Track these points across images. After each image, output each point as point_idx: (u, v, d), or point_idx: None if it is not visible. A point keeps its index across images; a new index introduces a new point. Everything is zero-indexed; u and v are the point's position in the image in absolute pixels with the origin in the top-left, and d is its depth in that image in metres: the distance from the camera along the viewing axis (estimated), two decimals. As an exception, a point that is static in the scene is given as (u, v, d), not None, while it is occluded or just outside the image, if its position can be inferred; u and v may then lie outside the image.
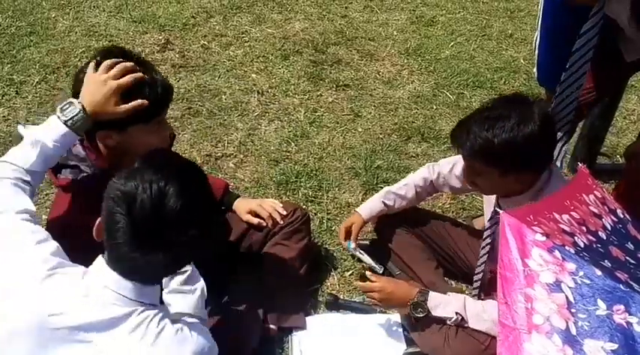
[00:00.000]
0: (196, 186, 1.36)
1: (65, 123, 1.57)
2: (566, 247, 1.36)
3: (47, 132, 1.58)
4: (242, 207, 2.32)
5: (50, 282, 1.34)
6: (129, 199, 1.28)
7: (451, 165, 2.33)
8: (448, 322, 2.03)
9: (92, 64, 1.66)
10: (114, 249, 1.32)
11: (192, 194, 1.31)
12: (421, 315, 2.04)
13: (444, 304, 2.05)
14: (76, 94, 1.67)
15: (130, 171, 1.34)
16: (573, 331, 1.28)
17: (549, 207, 1.48)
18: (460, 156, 2.00)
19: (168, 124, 1.86)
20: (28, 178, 1.57)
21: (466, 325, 2.02)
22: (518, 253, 1.33)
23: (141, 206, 1.27)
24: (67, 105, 1.59)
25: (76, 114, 1.58)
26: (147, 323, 1.35)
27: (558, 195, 1.57)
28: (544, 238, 1.36)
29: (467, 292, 2.33)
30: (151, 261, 1.30)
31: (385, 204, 2.37)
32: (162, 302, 1.60)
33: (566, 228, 1.43)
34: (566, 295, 1.30)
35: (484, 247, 2.15)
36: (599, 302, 1.30)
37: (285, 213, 2.31)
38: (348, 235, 2.38)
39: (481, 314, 2.00)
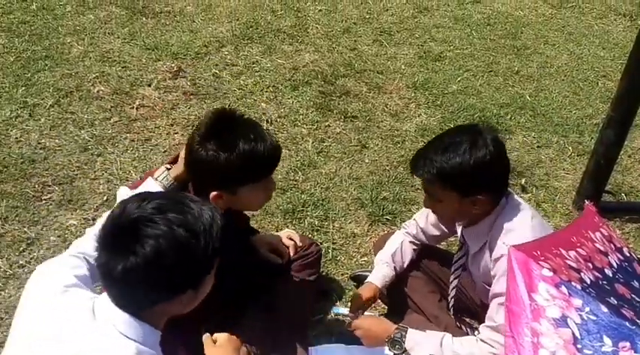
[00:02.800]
0: (184, 215, 1.30)
1: None
2: (573, 283, 1.37)
3: None
4: (260, 243, 2.34)
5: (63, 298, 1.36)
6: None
7: (425, 215, 2.36)
8: None
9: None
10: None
11: (172, 217, 1.27)
12: (399, 352, 2.04)
13: (421, 345, 2.03)
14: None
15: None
16: (579, 367, 1.29)
17: (556, 242, 1.50)
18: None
19: (274, 182, 1.96)
20: None
21: None
22: (525, 287, 1.34)
23: (113, 210, 1.30)
24: None
25: None
26: None
27: (565, 232, 1.59)
28: (551, 273, 1.37)
29: (475, 325, 2.34)
30: (111, 265, 1.25)
31: (395, 269, 2.36)
32: None
33: (573, 264, 1.45)
34: (572, 330, 1.31)
35: (452, 280, 2.21)
36: (605, 338, 1.31)
37: (301, 244, 2.33)
38: (361, 307, 2.29)
39: (458, 350, 1.99)
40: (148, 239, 1.23)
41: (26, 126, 3.19)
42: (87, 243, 1.55)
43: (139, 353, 1.29)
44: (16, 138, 3.10)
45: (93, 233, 1.61)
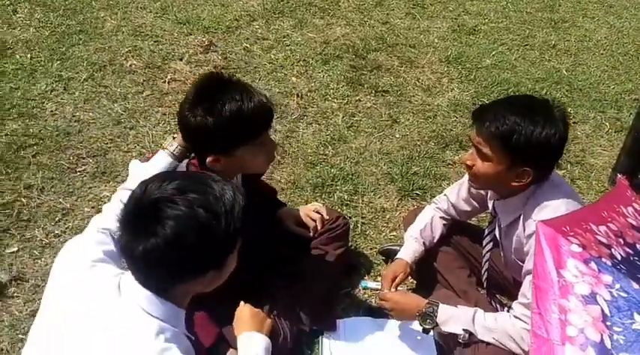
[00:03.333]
0: (205, 195, 1.29)
1: None
2: (603, 259, 1.34)
3: None
4: (288, 216, 2.34)
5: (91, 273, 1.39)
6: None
7: (457, 190, 2.33)
8: (459, 338, 2.02)
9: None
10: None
11: (192, 197, 1.27)
12: (430, 326, 2.04)
13: (454, 319, 2.03)
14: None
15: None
16: (608, 344, 1.27)
17: (586, 217, 1.46)
18: (464, 178, 2.05)
19: (273, 143, 1.94)
20: None
21: (476, 339, 2.00)
22: (554, 263, 1.32)
23: (135, 190, 1.30)
24: None
25: None
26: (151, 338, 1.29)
27: (595, 206, 1.56)
28: (580, 249, 1.35)
29: (505, 301, 2.33)
30: (132, 246, 1.26)
31: (424, 245, 2.35)
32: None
33: (603, 240, 1.42)
34: (601, 307, 1.29)
35: (485, 253, 2.19)
36: (636, 315, 1.28)
37: (328, 217, 2.33)
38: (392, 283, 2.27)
39: (491, 326, 1.98)
40: (169, 220, 1.23)
41: (61, 99, 3.24)
42: (109, 220, 1.56)
43: (160, 330, 1.30)
44: (52, 111, 3.16)
45: (111, 209, 1.63)
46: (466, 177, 2.18)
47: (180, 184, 1.28)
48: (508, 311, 2.06)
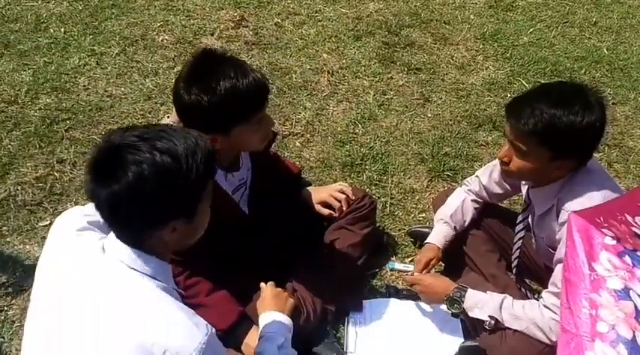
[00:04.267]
0: (167, 142, 1.29)
1: None
2: (638, 252, 1.30)
3: None
4: (312, 196, 2.30)
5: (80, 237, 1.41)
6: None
7: (489, 172, 2.27)
8: (484, 325, 1.99)
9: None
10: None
11: (155, 144, 1.27)
12: (457, 311, 2.03)
13: (481, 305, 2.01)
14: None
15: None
16: (640, 341, 1.23)
17: (621, 207, 1.41)
18: (496, 161, 1.99)
19: (270, 120, 1.90)
20: None
21: (502, 326, 1.97)
22: (585, 256, 1.28)
23: (97, 145, 1.31)
24: None
25: None
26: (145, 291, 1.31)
27: (631, 195, 1.50)
28: (614, 242, 1.30)
29: (534, 286, 2.30)
30: (108, 194, 1.26)
31: (455, 229, 2.31)
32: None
33: (639, 232, 1.37)
34: (635, 303, 1.25)
35: (517, 240, 2.15)
36: (670, 312, 1.24)
37: (353, 198, 2.30)
38: (425, 268, 2.25)
39: (519, 314, 1.95)
40: (131, 165, 1.24)
41: (94, 74, 3.27)
42: None
43: (150, 287, 1.31)
44: (84, 85, 3.18)
45: None
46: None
47: (142, 132, 1.29)
48: (537, 298, 2.02)
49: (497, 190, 2.28)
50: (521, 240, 2.16)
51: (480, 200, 2.33)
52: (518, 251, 2.18)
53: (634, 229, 1.39)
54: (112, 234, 1.36)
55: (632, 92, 3.56)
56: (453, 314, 2.08)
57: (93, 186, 1.28)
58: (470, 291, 2.05)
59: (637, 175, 3.03)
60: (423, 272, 2.20)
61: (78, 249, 1.39)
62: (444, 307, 2.17)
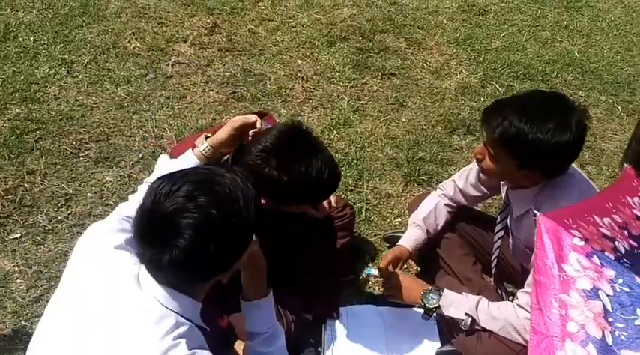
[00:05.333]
0: (216, 196, 1.29)
1: None
2: (606, 253, 1.31)
3: None
4: None
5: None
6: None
7: (465, 175, 2.28)
8: (460, 324, 2.00)
9: None
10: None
11: (204, 201, 1.27)
12: (433, 306, 2.02)
13: (457, 304, 2.01)
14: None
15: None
16: (609, 341, 1.24)
17: (590, 209, 1.42)
18: (473, 163, 2.02)
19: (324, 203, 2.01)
20: None
21: (478, 326, 1.98)
22: (555, 257, 1.29)
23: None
24: None
25: None
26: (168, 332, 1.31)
27: (600, 197, 1.52)
28: (582, 243, 1.31)
29: (511, 289, 2.31)
30: (157, 258, 1.28)
31: (427, 232, 2.31)
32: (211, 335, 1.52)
33: (607, 233, 1.38)
34: (603, 303, 1.26)
35: (496, 240, 2.16)
36: (639, 311, 1.25)
37: (335, 205, 2.31)
38: (390, 264, 2.25)
39: (494, 314, 1.96)
40: (186, 230, 1.24)
41: (64, 83, 3.22)
42: (133, 209, 1.56)
43: (177, 323, 1.32)
44: (55, 95, 3.14)
45: (136, 200, 1.61)
46: (475, 162, 2.14)
47: (189, 189, 1.27)
48: (513, 300, 2.03)
49: (474, 193, 2.29)
50: (500, 240, 2.17)
51: (453, 204, 2.34)
52: (497, 250, 2.19)
53: (602, 230, 1.40)
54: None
55: (603, 94, 3.61)
56: (426, 313, 2.06)
57: (152, 252, 1.28)
58: (446, 291, 2.05)
59: (609, 177, 3.06)
60: (389, 269, 2.19)
61: (113, 271, 1.38)
62: (417, 309, 2.17)
